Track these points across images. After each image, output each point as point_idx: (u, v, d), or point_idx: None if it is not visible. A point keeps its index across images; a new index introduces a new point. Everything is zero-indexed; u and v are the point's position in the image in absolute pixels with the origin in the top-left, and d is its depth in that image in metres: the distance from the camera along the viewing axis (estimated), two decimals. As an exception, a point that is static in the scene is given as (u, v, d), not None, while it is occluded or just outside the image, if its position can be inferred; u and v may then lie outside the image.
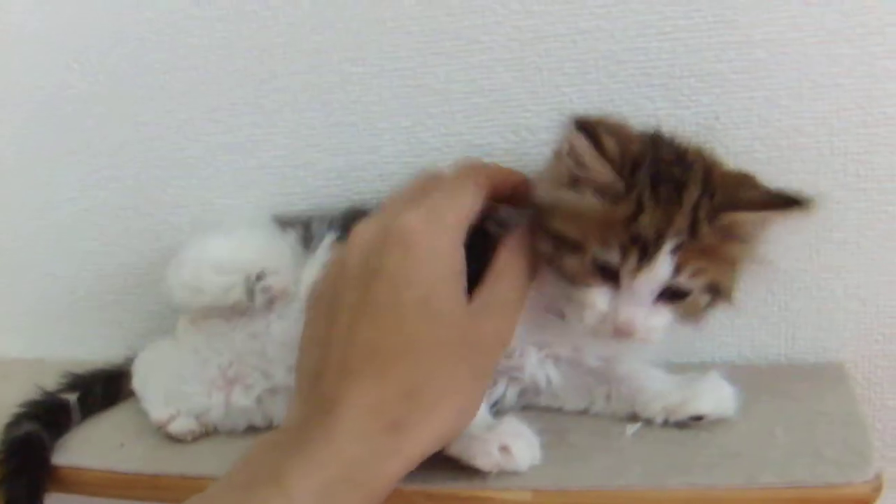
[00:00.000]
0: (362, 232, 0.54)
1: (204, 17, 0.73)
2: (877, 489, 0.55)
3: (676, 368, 0.64)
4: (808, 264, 0.68)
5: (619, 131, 0.55)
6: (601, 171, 0.53)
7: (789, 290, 0.69)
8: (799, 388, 0.65)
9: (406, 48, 0.70)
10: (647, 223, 0.52)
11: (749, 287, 0.68)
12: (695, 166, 0.55)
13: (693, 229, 0.52)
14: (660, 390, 0.61)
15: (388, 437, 0.48)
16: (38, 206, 0.83)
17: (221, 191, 0.78)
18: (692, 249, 0.52)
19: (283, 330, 0.66)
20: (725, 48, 0.64)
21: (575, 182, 0.55)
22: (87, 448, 0.69)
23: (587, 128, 0.53)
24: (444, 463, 0.60)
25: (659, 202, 0.52)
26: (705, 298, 0.56)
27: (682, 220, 0.52)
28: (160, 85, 0.76)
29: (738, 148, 0.65)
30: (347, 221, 0.65)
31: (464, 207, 0.54)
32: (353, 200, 0.74)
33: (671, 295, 0.54)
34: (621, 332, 0.54)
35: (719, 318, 0.69)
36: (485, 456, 0.56)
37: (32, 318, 0.87)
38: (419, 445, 0.50)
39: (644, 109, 0.66)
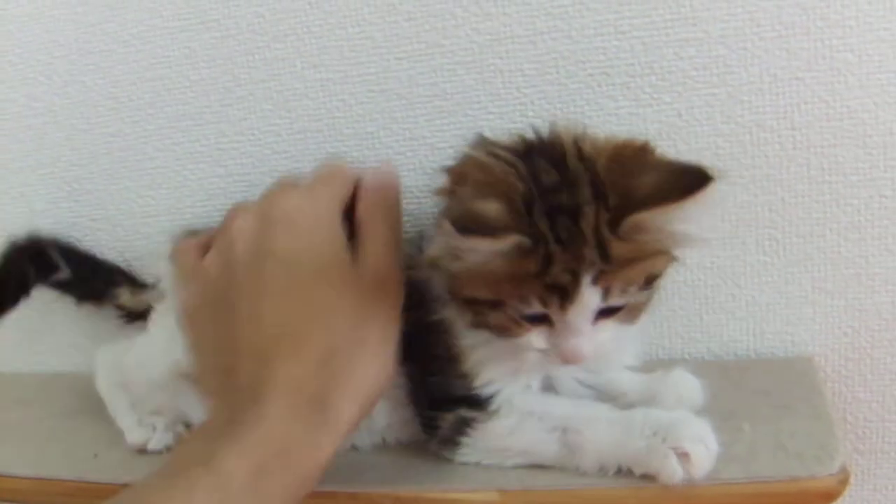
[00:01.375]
0: (241, 224, 0.56)
1: (167, 27, 0.73)
2: (843, 482, 0.55)
3: (645, 366, 0.63)
4: (775, 258, 0.68)
5: (491, 179, 0.50)
6: (503, 243, 0.47)
7: (756, 285, 0.69)
8: (767, 383, 0.65)
9: (368, 54, 0.70)
10: (558, 270, 0.48)
11: (716, 283, 0.70)
12: (578, 175, 0.49)
13: (604, 253, 0.48)
14: (624, 391, 0.61)
15: (314, 411, 0.49)
16: (10, 220, 0.83)
17: (190, 199, 0.78)
18: (611, 270, 0.49)
19: None
20: (685, 45, 0.64)
21: (472, 254, 0.49)
22: (61, 459, 0.70)
23: (464, 223, 0.47)
24: (411, 465, 0.61)
25: (563, 243, 0.48)
26: (643, 296, 0.52)
27: (590, 252, 0.48)
28: (127, 96, 0.76)
29: (700, 145, 0.66)
30: None
31: (335, 188, 0.57)
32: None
33: (608, 311, 0.51)
34: (570, 362, 0.52)
35: (687, 315, 0.70)
36: (666, 471, 0.53)
37: (6, 332, 0.87)
38: (345, 414, 0.51)
39: (605, 109, 0.67)
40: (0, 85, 0.79)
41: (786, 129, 0.65)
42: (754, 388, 0.65)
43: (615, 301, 0.50)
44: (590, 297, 0.49)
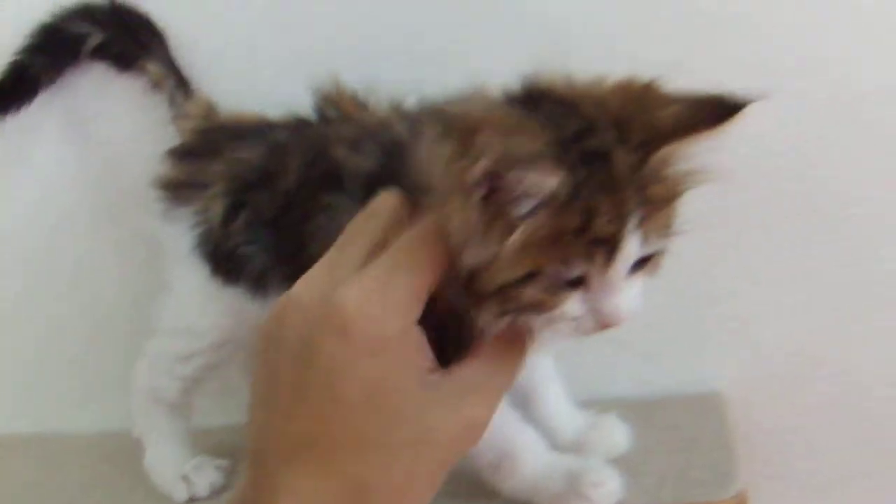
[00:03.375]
0: (300, 295, 0.45)
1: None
2: (741, 504, 0.61)
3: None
4: (677, 298, 0.71)
5: (515, 126, 0.43)
6: (546, 180, 0.41)
7: (667, 323, 0.73)
8: (677, 419, 0.71)
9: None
10: (603, 221, 0.42)
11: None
12: (598, 118, 0.44)
13: (643, 196, 0.43)
14: (561, 426, 0.65)
15: None
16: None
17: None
18: (651, 214, 0.44)
19: None
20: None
21: (513, 222, 0.42)
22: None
23: (506, 163, 0.40)
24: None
25: (603, 190, 0.42)
26: (665, 245, 0.47)
27: (631, 196, 0.43)
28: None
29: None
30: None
31: (419, 280, 0.44)
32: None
33: (641, 262, 0.46)
34: (608, 325, 0.46)
35: (606, 357, 0.73)
36: None
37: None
38: None
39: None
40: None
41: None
42: (666, 423, 0.70)
43: (651, 248, 0.45)
44: (632, 245, 0.44)
